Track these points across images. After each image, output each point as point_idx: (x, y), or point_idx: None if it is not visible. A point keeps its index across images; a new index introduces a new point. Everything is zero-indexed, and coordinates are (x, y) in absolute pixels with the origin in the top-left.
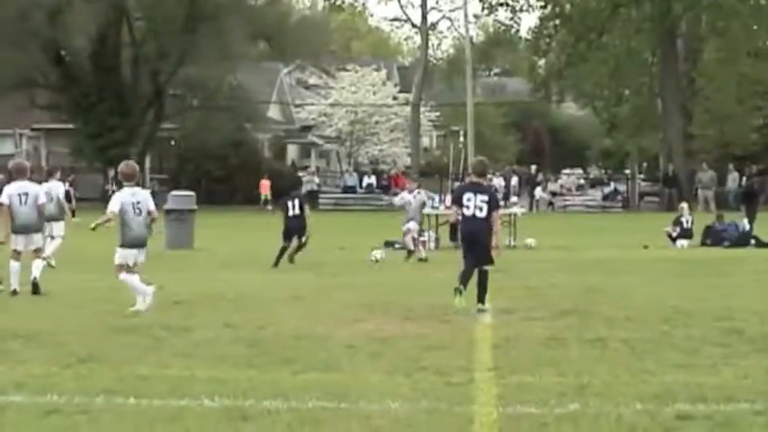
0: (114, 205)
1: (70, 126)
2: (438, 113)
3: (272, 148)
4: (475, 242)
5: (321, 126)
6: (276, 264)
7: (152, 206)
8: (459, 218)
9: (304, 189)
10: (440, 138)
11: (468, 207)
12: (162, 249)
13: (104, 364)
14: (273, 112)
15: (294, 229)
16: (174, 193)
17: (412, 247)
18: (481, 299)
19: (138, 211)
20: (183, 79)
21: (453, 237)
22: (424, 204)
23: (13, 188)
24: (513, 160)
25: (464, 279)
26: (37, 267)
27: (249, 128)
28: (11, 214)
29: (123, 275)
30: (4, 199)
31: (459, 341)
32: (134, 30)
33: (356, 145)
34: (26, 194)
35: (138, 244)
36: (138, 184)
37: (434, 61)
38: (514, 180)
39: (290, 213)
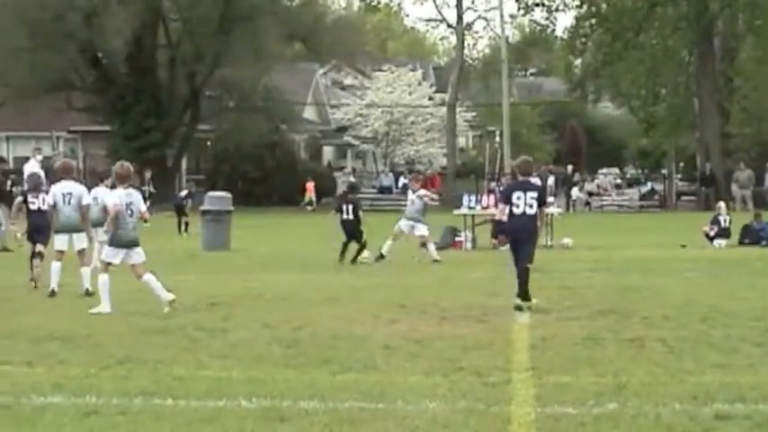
0: (112, 201)
1: (107, 128)
2: (474, 114)
3: (308, 148)
4: (523, 239)
5: (357, 127)
6: (341, 258)
7: (143, 207)
8: (505, 217)
9: (339, 190)
10: (476, 138)
11: (517, 205)
12: (199, 250)
13: (142, 366)
14: (309, 112)
15: (347, 232)
16: (211, 194)
17: (435, 257)
18: (520, 294)
19: (130, 212)
20: (218, 80)
21: (495, 234)
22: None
23: (59, 188)
24: (550, 160)
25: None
26: (86, 277)
27: (285, 129)
28: (54, 213)
29: (102, 275)
30: (50, 199)
31: (496, 341)
32: (170, 31)
33: (392, 145)
34: (70, 194)
35: (128, 244)
36: (132, 186)
37: (470, 61)
38: (551, 180)
39: (344, 217)
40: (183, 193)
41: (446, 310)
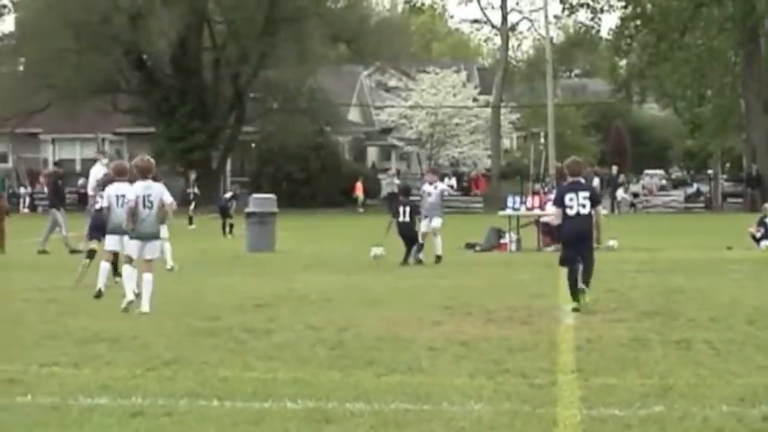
0: (131, 195)
1: (152, 130)
2: (518, 115)
3: (353, 150)
4: (581, 240)
5: (401, 128)
6: (405, 262)
7: (168, 198)
8: (559, 220)
9: (384, 192)
10: (520, 139)
11: (570, 207)
12: (243, 252)
13: (188, 367)
14: (353, 114)
15: (403, 234)
16: (256, 195)
17: (439, 251)
18: (585, 281)
19: (148, 204)
20: (263, 82)
21: (555, 239)
22: (442, 195)
23: (113, 189)
24: (595, 161)
25: (574, 291)
26: (147, 282)
27: (329, 130)
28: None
29: (126, 266)
30: (104, 201)
31: (541, 343)
32: (215, 33)
33: (436, 147)
34: (123, 196)
35: (146, 236)
36: (154, 179)
37: (515, 62)
38: (596, 181)
39: (401, 219)
40: (228, 194)
41: (491, 311)
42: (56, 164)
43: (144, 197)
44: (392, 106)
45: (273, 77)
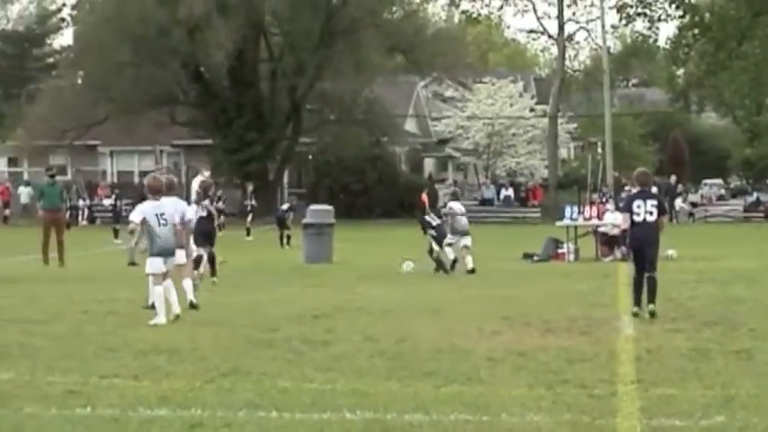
0: (136, 216)
1: (209, 142)
2: (575, 125)
3: (409, 161)
4: (647, 246)
5: (458, 139)
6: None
7: (177, 218)
8: (626, 225)
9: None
10: (577, 149)
11: (638, 213)
12: (301, 263)
13: (246, 378)
14: (410, 125)
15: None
16: (313, 207)
17: (471, 266)
18: (652, 300)
19: (163, 222)
20: (319, 94)
21: (624, 243)
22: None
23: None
24: (653, 171)
25: (637, 296)
26: (189, 289)
27: (386, 141)
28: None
29: (156, 287)
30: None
31: (600, 353)
32: (271, 45)
33: (493, 157)
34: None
35: (164, 252)
36: (174, 196)
37: (571, 72)
38: (654, 191)
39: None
40: (285, 206)
41: (549, 321)
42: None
43: (157, 216)
44: (449, 117)
45: (330, 89)
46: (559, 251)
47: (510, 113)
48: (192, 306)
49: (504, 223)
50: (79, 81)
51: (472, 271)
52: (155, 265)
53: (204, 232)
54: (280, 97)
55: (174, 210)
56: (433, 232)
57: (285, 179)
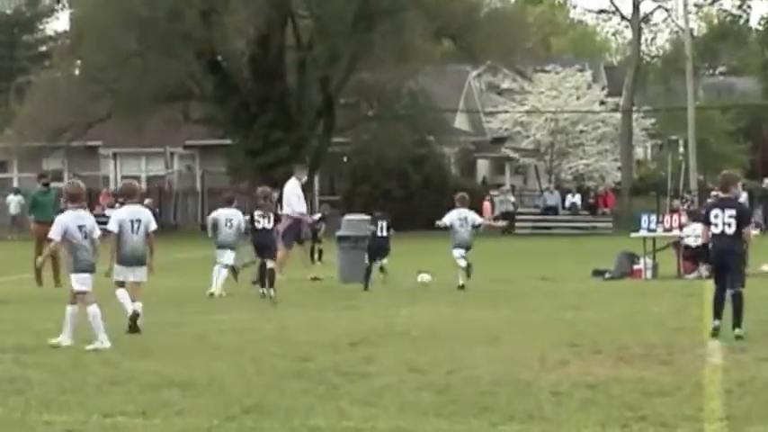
0: (112, 225)
1: (228, 142)
2: (653, 120)
3: (460, 163)
4: (725, 261)
5: (516, 137)
6: None
7: (153, 226)
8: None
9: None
10: (655, 148)
11: (716, 224)
12: (335, 282)
13: (273, 415)
14: (461, 121)
15: (377, 248)
16: (348, 217)
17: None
18: (737, 323)
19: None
20: (355, 86)
21: (705, 259)
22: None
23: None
24: (743, 173)
25: (717, 309)
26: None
27: (433, 140)
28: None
29: (118, 290)
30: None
31: (683, 386)
32: (299, 30)
33: (557, 159)
34: (231, 220)
35: (133, 262)
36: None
37: (648, 59)
38: (744, 196)
39: (378, 234)
40: (316, 216)
41: (624, 348)
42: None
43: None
44: (506, 111)
45: (368, 80)
46: (635, 267)
47: (577, 107)
48: (133, 322)
49: (570, 235)
50: (77, 72)
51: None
52: (82, 280)
53: (264, 243)
54: (310, 90)
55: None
56: None
57: (316, 185)
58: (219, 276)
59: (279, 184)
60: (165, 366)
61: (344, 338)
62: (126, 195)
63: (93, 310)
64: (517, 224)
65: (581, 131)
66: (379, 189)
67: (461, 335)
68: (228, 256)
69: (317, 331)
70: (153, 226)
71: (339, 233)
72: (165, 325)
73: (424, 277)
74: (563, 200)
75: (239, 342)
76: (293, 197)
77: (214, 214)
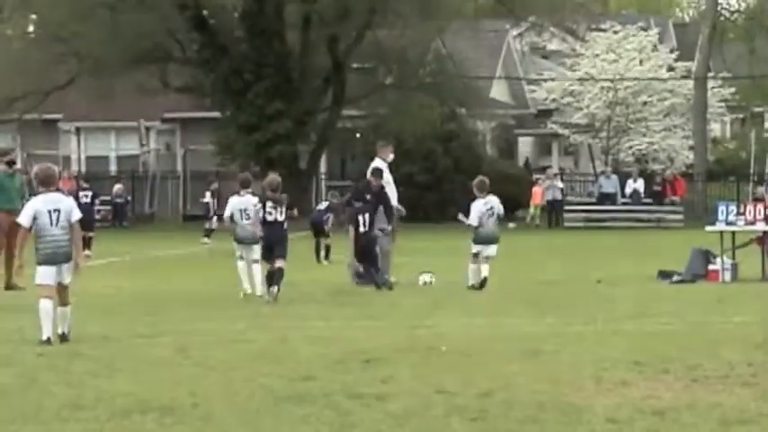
0: (24, 218)
1: (216, 115)
2: (733, 89)
3: (497, 141)
4: None
5: (566, 110)
6: None
7: (75, 215)
8: None
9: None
10: (736, 123)
11: None
12: (346, 284)
13: None
14: (498, 91)
15: (365, 249)
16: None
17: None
18: None
19: (56, 221)
20: (371, 47)
21: None
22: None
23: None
24: None
25: None
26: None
27: (464, 114)
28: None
29: (42, 301)
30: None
31: None
32: None
33: (616, 136)
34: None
35: (59, 260)
36: (58, 190)
37: (727, 15)
38: None
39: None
40: (323, 205)
41: (696, 367)
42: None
43: (50, 212)
44: (553, 79)
45: (385, 40)
46: (710, 268)
47: (639, 74)
48: (63, 338)
49: (631, 228)
50: (31, 29)
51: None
52: (42, 274)
53: (277, 240)
54: (315, 53)
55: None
56: None
57: (323, 167)
58: (255, 273)
59: (277, 166)
60: (140, 387)
61: (357, 354)
62: (42, 182)
63: (46, 304)
64: (566, 215)
65: (644, 103)
66: (399, 173)
67: (499, 349)
68: (256, 251)
69: (323, 345)
70: (76, 215)
71: None
72: (138, 336)
73: (425, 278)
74: (622, 186)
75: (229, 357)
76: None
77: (230, 206)
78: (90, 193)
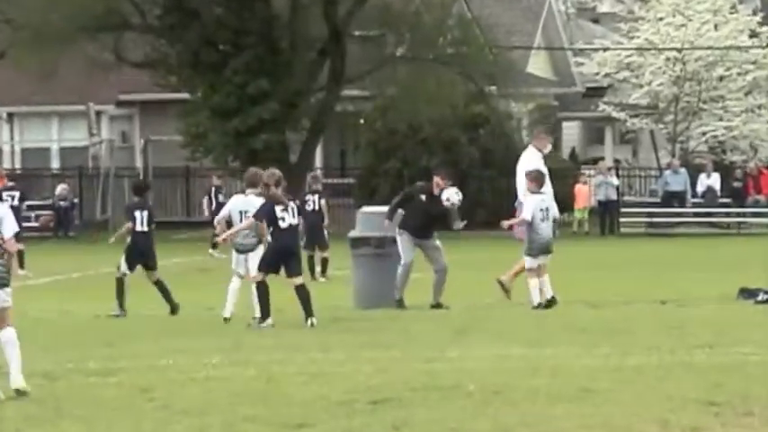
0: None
1: (184, 96)
2: None
3: (536, 127)
4: None
5: (622, 88)
6: None
7: (11, 228)
8: None
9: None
10: None
11: None
12: (348, 307)
13: None
14: (537, 65)
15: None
16: (365, 210)
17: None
18: None
19: None
20: (377, 11)
21: None
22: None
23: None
24: None
25: None
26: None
27: (495, 94)
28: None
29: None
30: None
31: None
32: None
33: (685, 120)
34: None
35: None
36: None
37: None
38: None
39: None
40: (312, 201)
41: None
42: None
43: None
44: (605, 49)
45: (395, 2)
46: None
47: (714, 42)
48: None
49: (704, 236)
50: None
51: (551, 302)
52: None
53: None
54: (308, 18)
55: None
56: None
57: (318, 161)
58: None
59: (262, 160)
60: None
61: (362, 394)
62: None
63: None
64: (623, 219)
65: (720, 78)
66: (413, 167)
67: (539, 387)
68: (252, 261)
69: (321, 383)
70: (10, 228)
71: (352, 234)
72: (90, 373)
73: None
74: (693, 183)
75: (202, 399)
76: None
77: (230, 205)
78: (16, 194)
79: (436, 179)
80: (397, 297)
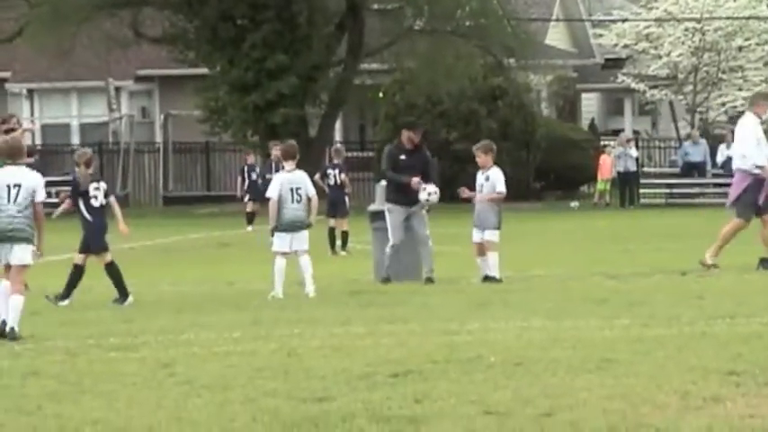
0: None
1: (202, 71)
2: None
3: (555, 99)
4: None
5: (641, 59)
6: None
7: (40, 195)
8: None
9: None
10: None
11: None
12: (369, 281)
13: None
14: (556, 36)
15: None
16: (384, 183)
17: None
18: None
19: (11, 197)
20: None
21: None
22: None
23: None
24: None
25: None
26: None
27: (513, 65)
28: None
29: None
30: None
31: None
32: None
33: (704, 90)
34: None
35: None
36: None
37: None
38: None
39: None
40: (333, 174)
41: None
42: None
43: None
44: (624, 20)
45: None
46: None
47: (733, 12)
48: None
49: (724, 206)
50: None
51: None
52: None
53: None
54: None
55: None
56: None
57: (337, 135)
58: (305, 268)
59: (281, 135)
60: (112, 413)
61: (383, 367)
62: (8, 155)
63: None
64: (643, 191)
65: (740, 48)
66: (433, 141)
67: (560, 358)
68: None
69: (341, 356)
70: (41, 195)
71: (372, 207)
72: (111, 349)
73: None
74: (713, 154)
75: (224, 374)
76: (750, 143)
77: (276, 183)
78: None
79: (408, 134)
80: (384, 275)
